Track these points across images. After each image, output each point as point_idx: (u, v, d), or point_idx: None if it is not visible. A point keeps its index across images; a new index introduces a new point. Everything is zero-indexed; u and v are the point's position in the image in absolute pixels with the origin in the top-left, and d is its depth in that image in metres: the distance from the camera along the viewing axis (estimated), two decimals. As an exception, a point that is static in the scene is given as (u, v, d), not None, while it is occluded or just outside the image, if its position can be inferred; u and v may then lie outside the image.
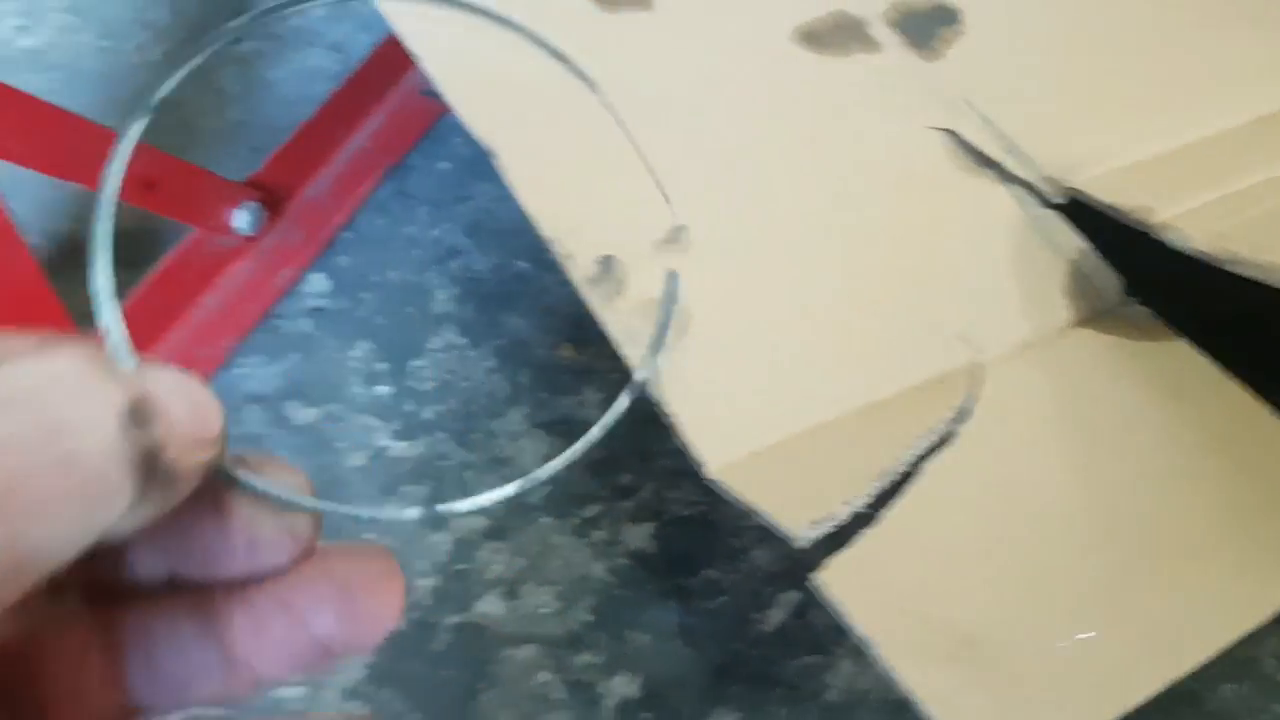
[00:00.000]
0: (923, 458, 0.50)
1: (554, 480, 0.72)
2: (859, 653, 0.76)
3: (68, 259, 0.91)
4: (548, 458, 0.86)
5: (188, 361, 0.91)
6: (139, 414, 0.20)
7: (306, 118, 1.04)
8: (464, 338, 0.93)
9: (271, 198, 0.96)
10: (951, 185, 0.59)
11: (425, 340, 0.93)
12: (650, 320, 0.54)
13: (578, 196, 0.56)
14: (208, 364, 0.91)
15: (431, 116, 1.06)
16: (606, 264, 0.55)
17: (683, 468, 0.85)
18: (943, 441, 0.50)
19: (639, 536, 0.81)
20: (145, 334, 0.89)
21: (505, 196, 1.02)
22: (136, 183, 0.83)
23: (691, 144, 0.60)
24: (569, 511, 0.83)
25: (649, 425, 0.88)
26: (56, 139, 0.77)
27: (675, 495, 0.83)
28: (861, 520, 0.47)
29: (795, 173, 0.59)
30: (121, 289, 0.89)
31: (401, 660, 0.77)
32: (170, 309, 0.91)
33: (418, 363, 0.91)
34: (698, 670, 0.76)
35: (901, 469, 0.49)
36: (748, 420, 0.51)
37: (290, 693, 0.76)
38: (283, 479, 0.25)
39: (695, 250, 0.56)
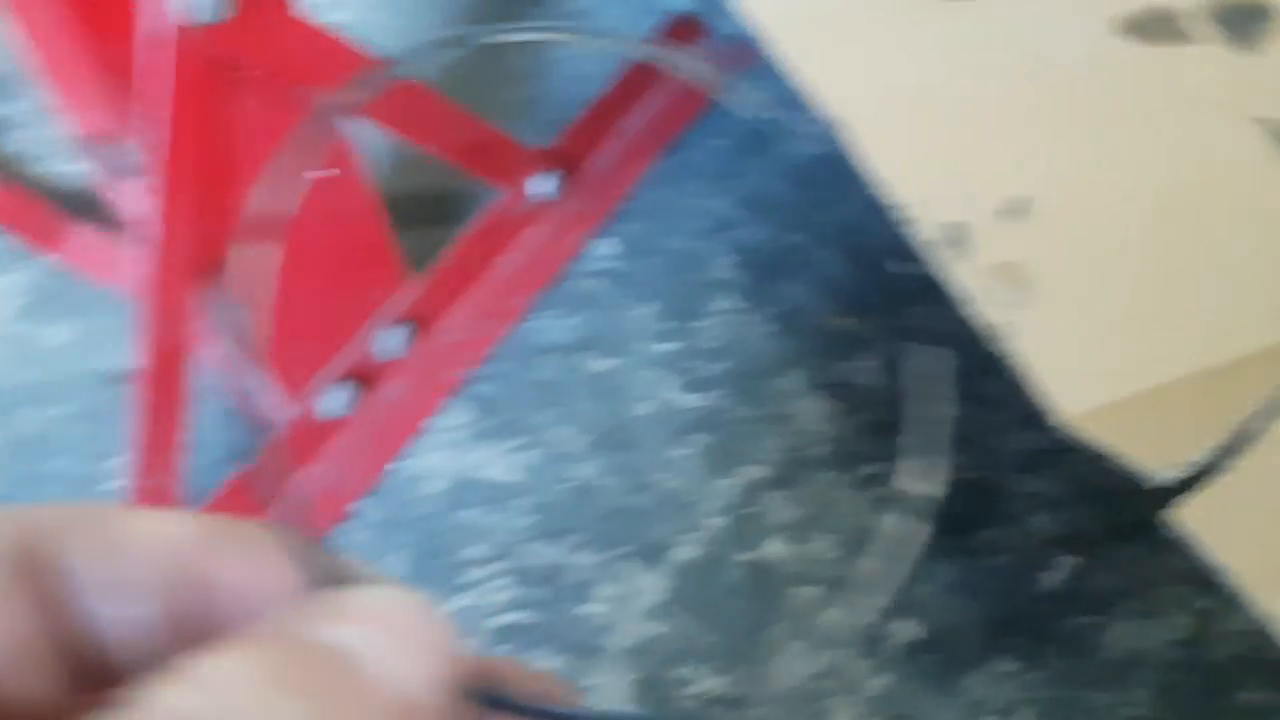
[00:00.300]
0: (1270, 417, 0.54)
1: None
2: (1138, 615, 0.80)
3: (399, 208, 1.00)
4: (826, 418, 0.92)
5: (493, 312, 1.00)
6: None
7: (589, 95, 1.12)
8: (744, 302, 0.99)
9: (566, 168, 1.04)
10: (1276, 173, 0.63)
11: (707, 303, 1.00)
12: (997, 283, 0.59)
13: (927, 165, 0.62)
14: (511, 315, 1.00)
15: (707, 99, 1.13)
16: (955, 229, 0.60)
17: (961, 433, 0.90)
18: (1293, 400, 0.54)
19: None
20: (457, 287, 0.98)
21: (778, 173, 1.09)
22: (464, 147, 0.92)
23: (1026, 120, 0.64)
24: (850, 467, 0.89)
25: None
26: (407, 106, 0.86)
27: (954, 459, 0.88)
28: (1212, 470, 0.52)
29: (1127, 150, 0.63)
30: (434, 247, 0.99)
31: (697, 589, 0.84)
32: (477, 266, 1.00)
33: (701, 323, 0.98)
34: (978, 621, 0.81)
35: (1250, 426, 0.53)
36: (1094, 374, 0.56)
37: (594, 609, 0.84)
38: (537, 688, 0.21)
39: (1037, 218, 0.61)
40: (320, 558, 0.19)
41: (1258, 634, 0.80)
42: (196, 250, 0.74)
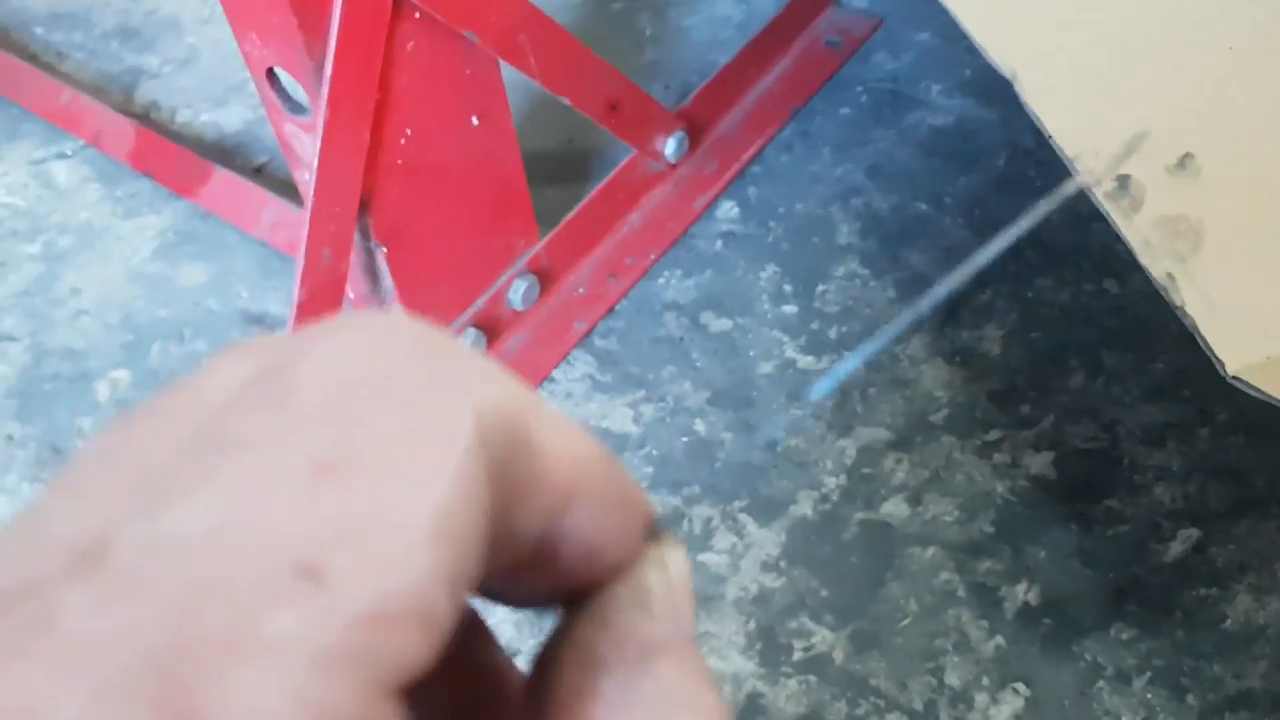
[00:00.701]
0: None
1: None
2: (1259, 589, 0.80)
3: (527, 164, 1.03)
4: (948, 384, 0.93)
5: (617, 268, 1.02)
6: None
7: (715, 60, 1.14)
8: (865, 269, 1.00)
9: (692, 130, 1.06)
10: None
11: (829, 268, 1.01)
12: (1165, 236, 0.60)
13: (1097, 120, 0.62)
14: (634, 272, 1.02)
15: (833, 66, 1.14)
16: (1124, 183, 0.61)
17: (1083, 405, 0.90)
18: None
19: (1040, 463, 0.87)
20: (582, 242, 1.01)
21: (904, 142, 1.09)
22: (605, 104, 0.94)
23: (1197, 72, 0.64)
24: (971, 433, 0.89)
25: (1049, 363, 0.93)
26: (559, 59, 0.88)
27: (1075, 429, 0.88)
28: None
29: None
30: (560, 202, 1.01)
31: (813, 545, 0.85)
32: (604, 223, 1.02)
33: (822, 287, 0.99)
34: (1096, 588, 0.81)
35: None
36: (1264, 328, 0.56)
37: (711, 558, 0.86)
38: None
39: (1206, 174, 0.61)
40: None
41: (1385, 616, 0.79)
42: (356, 186, 0.77)
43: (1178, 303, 0.57)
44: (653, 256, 1.03)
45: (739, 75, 1.10)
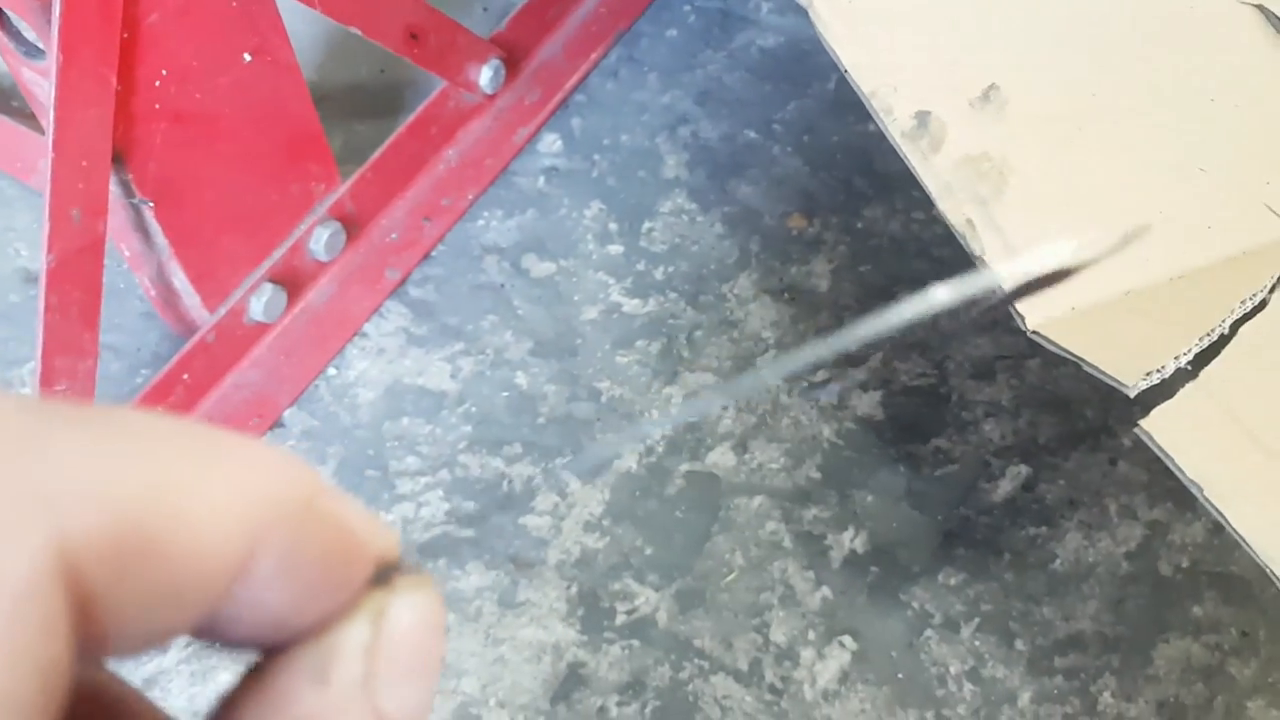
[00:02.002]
0: (1240, 322, 0.51)
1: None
2: (1089, 525, 0.78)
3: (332, 99, 0.95)
4: (775, 324, 0.89)
5: (431, 210, 0.95)
6: None
7: (537, -19, 1.06)
8: (694, 203, 0.95)
9: (510, 58, 0.99)
10: (1269, 61, 0.59)
11: (656, 203, 0.95)
12: (968, 176, 0.56)
13: (895, 52, 0.58)
14: (450, 214, 0.95)
15: (661, -15, 1.08)
16: (922, 119, 0.56)
17: (913, 340, 0.87)
18: (1259, 308, 0.51)
19: (867, 403, 0.84)
20: (392, 183, 0.93)
21: (734, 66, 1.04)
22: (403, 32, 0.87)
23: (1001, 7, 0.60)
24: (798, 375, 0.86)
25: (879, 298, 0.90)
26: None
27: (905, 366, 0.85)
28: (1183, 376, 0.49)
29: (1108, 39, 0.59)
30: (372, 140, 0.94)
31: (637, 500, 0.81)
32: (416, 161, 0.95)
33: (649, 224, 0.94)
34: (924, 532, 0.79)
35: (1220, 331, 0.50)
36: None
37: (532, 520, 0.81)
38: None
39: (1012, 108, 0.57)
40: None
41: (1208, 546, 0.79)
42: (106, 136, 0.69)
43: (976, 251, 0.53)
44: (471, 196, 0.97)
45: (560, -4, 1.03)
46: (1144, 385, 0.47)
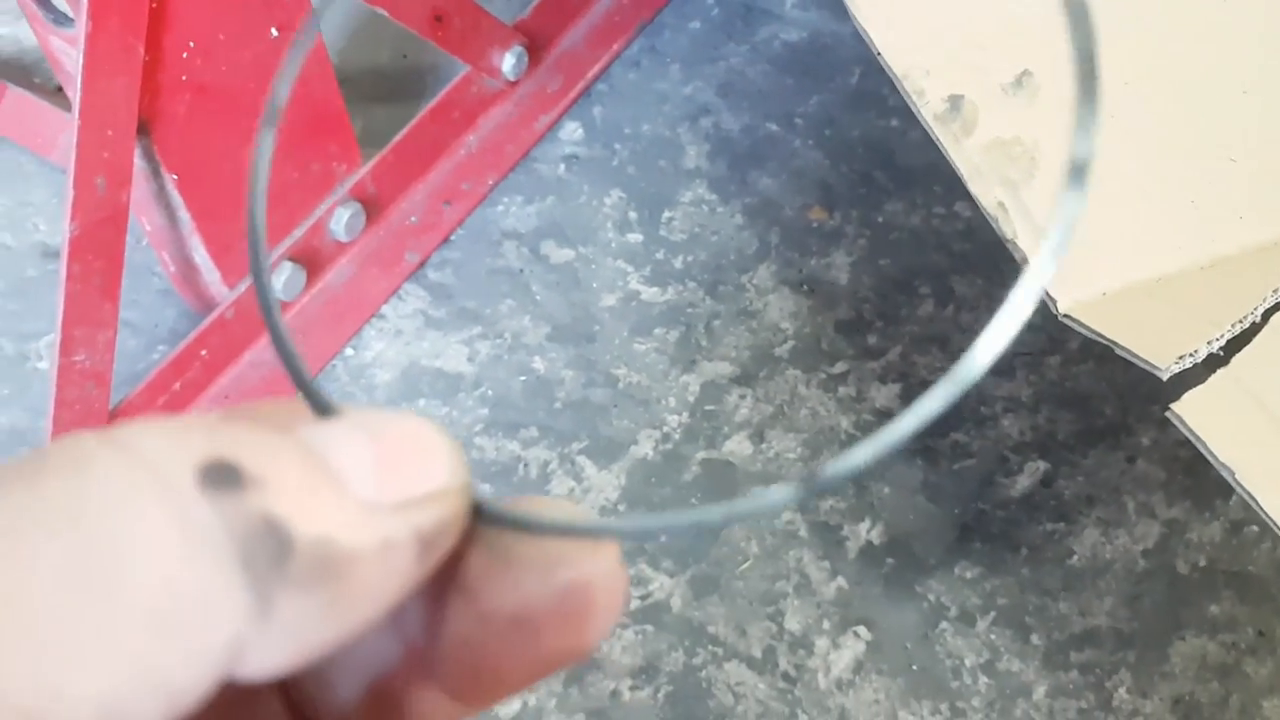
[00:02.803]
0: (1272, 310, 0.51)
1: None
2: (1106, 522, 0.78)
3: (354, 82, 0.95)
4: (794, 315, 0.88)
5: (452, 195, 0.95)
6: (218, 478, 0.14)
7: (561, -30, 1.06)
8: (714, 193, 0.95)
9: (533, 45, 0.99)
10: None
11: (676, 193, 0.95)
12: (998, 161, 0.55)
13: (928, 35, 0.58)
14: (470, 199, 0.95)
15: (684, -23, 1.08)
16: (955, 103, 0.56)
17: (931, 333, 0.87)
18: (1291, 296, 0.51)
19: (886, 395, 0.84)
20: (413, 166, 0.93)
21: (756, 59, 1.04)
22: (428, 15, 0.87)
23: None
24: (816, 366, 0.85)
25: (898, 291, 0.90)
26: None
27: (923, 359, 0.85)
28: (1214, 361, 0.49)
29: (1141, 27, 0.59)
30: (392, 124, 0.94)
31: (653, 486, 0.81)
32: (437, 145, 0.95)
33: (668, 214, 0.94)
34: (941, 525, 0.79)
35: (1252, 319, 0.50)
36: (1099, 262, 0.52)
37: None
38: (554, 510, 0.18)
39: (1044, 94, 0.57)
40: (328, 396, 0.17)
41: (1225, 545, 0.78)
42: (132, 106, 0.69)
43: (1008, 234, 0.53)
44: (491, 182, 0.96)
45: (583, -15, 1.03)
46: (1175, 369, 0.47)
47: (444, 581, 0.17)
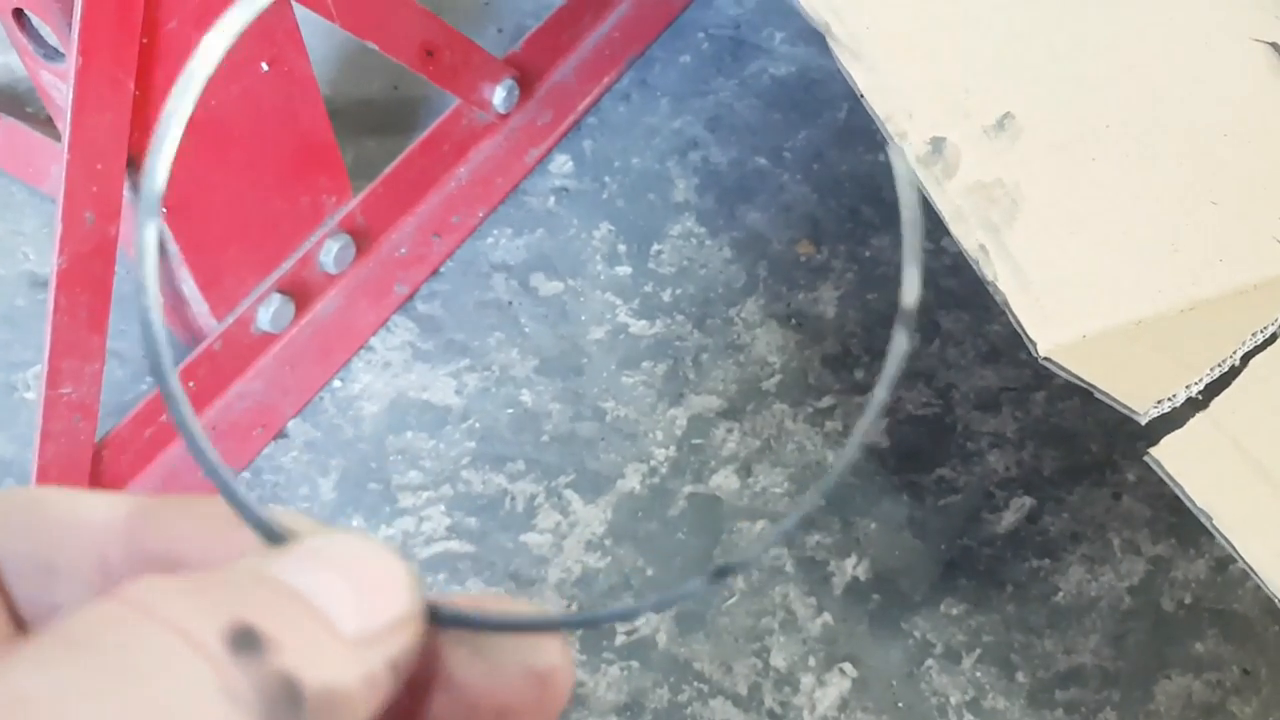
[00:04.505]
0: (1251, 354, 0.51)
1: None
2: (1091, 559, 0.78)
3: (345, 114, 0.95)
4: (781, 349, 0.89)
5: (441, 227, 0.95)
6: (243, 642, 0.16)
7: (552, 2, 1.07)
8: (702, 227, 0.95)
9: (524, 78, 0.99)
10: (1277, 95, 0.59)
11: (665, 226, 0.96)
12: (980, 203, 0.56)
13: (911, 78, 0.58)
14: (460, 231, 0.95)
15: (674, 10, 1.08)
16: (937, 145, 0.57)
17: (917, 369, 0.87)
18: (1270, 341, 0.51)
19: (872, 430, 0.84)
20: (403, 198, 0.94)
21: (745, 93, 1.04)
22: (419, 48, 0.87)
23: (1016, 33, 0.61)
24: (803, 400, 0.86)
25: (884, 326, 0.90)
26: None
27: (909, 395, 0.85)
28: (1194, 404, 0.49)
29: (1123, 71, 0.60)
30: (383, 156, 0.94)
31: (639, 521, 0.81)
32: (427, 178, 0.96)
33: (657, 247, 0.94)
34: (927, 561, 0.79)
35: (1231, 362, 0.50)
36: (1079, 305, 0.53)
37: (533, 539, 0.81)
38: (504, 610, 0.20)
39: (1026, 136, 0.57)
40: (274, 519, 0.19)
41: (1210, 584, 0.78)
42: (121, 141, 0.69)
43: (989, 277, 0.53)
44: (481, 214, 0.97)
45: (574, 19, 1.04)
46: (1155, 413, 0.47)
47: (415, 681, 0.19)
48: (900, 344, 0.19)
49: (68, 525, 0.19)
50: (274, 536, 0.19)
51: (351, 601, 0.17)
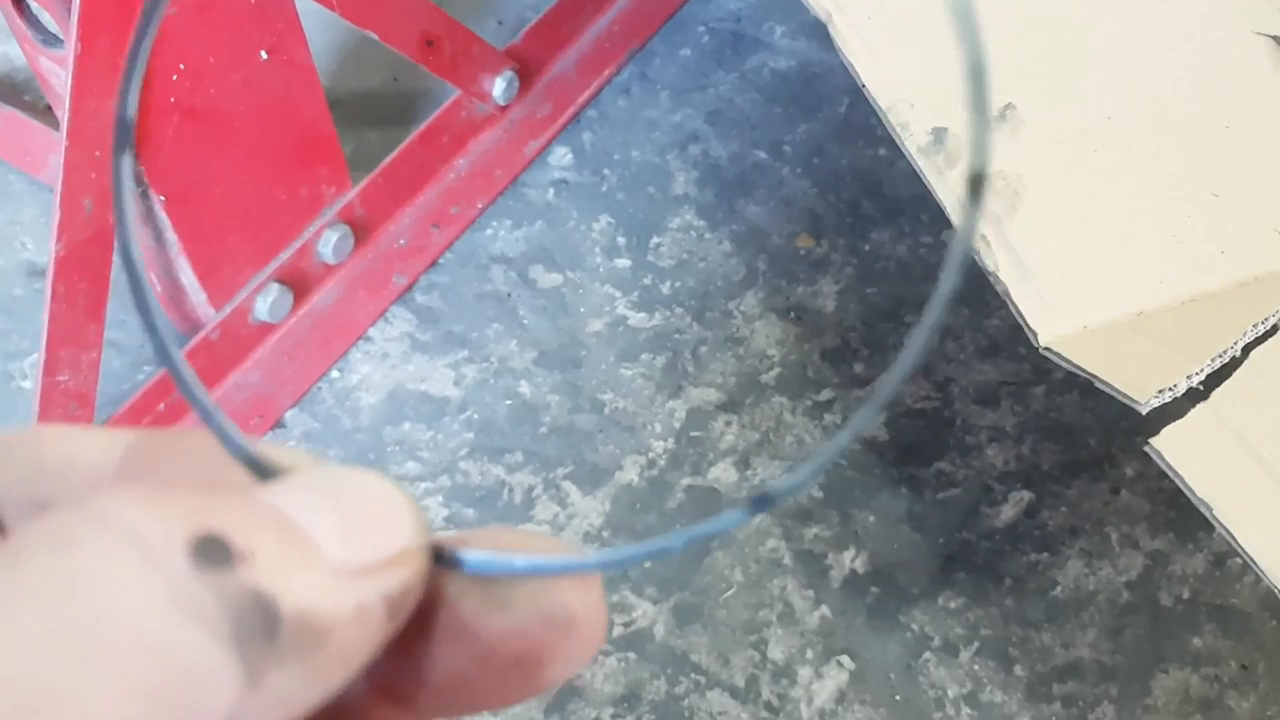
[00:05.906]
0: (1252, 345, 0.51)
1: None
2: (1090, 553, 0.78)
3: (345, 105, 0.95)
4: (780, 342, 0.89)
5: (440, 218, 0.95)
6: (208, 553, 0.14)
7: (552, -3, 1.07)
8: (702, 220, 0.95)
9: (524, 70, 0.99)
10: (1281, 89, 0.59)
11: (664, 219, 0.95)
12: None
13: (913, 68, 0.58)
14: (459, 223, 0.95)
15: (674, 3, 1.08)
16: (939, 136, 0.57)
17: (918, 362, 0.87)
18: (1270, 333, 0.51)
19: (871, 423, 0.84)
20: (402, 189, 0.94)
21: (745, 87, 1.04)
22: (419, 39, 0.87)
23: (1020, 27, 0.60)
24: (802, 394, 0.86)
25: (884, 320, 0.90)
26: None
27: (909, 389, 0.85)
28: (1194, 395, 0.49)
29: (1125, 63, 0.60)
30: (382, 147, 0.94)
31: (637, 513, 0.81)
32: (426, 169, 0.95)
33: (656, 240, 0.94)
34: (925, 554, 0.79)
35: (1232, 354, 0.50)
36: (1079, 296, 0.52)
37: (533, 530, 0.81)
38: (516, 545, 0.18)
39: (1028, 128, 0.57)
40: (265, 455, 0.18)
41: (1208, 578, 0.78)
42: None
43: (989, 268, 0.53)
44: (480, 205, 0.97)
45: (574, 12, 1.04)
46: (1155, 404, 0.47)
47: (420, 625, 0.18)
48: (974, 212, 0.16)
49: (64, 463, 0.18)
50: (264, 472, 0.17)
51: (341, 529, 0.16)
